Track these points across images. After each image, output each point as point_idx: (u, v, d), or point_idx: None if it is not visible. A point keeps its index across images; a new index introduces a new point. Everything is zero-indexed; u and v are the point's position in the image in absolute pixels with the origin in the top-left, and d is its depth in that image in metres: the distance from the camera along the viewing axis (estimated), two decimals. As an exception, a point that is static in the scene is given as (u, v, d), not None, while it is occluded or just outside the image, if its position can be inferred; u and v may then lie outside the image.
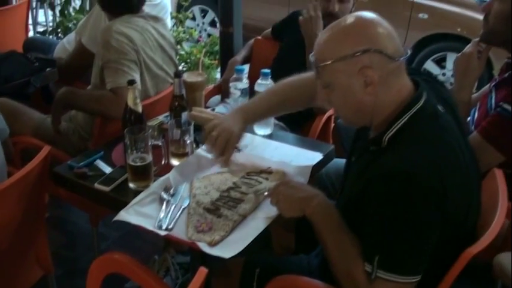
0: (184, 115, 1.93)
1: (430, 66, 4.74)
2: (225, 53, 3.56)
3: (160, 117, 2.13)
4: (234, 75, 2.24)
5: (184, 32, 4.70)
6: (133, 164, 1.72)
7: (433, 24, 4.68)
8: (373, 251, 1.34)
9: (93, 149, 2.04)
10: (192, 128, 1.87)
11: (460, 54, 2.06)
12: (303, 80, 1.83)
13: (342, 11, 2.53)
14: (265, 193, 1.67)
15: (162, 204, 1.65)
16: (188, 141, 1.86)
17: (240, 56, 3.03)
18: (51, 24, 4.65)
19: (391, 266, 1.32)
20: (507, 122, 1.83)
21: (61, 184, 1.93)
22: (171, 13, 4.06)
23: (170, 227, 1.56)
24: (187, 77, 2.08)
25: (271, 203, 1.57)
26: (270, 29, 3.09)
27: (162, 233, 1.55)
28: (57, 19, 4.36)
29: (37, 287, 2.02)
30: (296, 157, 1.92)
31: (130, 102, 1.80)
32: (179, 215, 1.62)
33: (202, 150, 1.88)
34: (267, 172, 1.83)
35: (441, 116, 1.41)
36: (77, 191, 1.89)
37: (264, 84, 2.11)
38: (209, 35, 5.54)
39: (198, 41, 5.17)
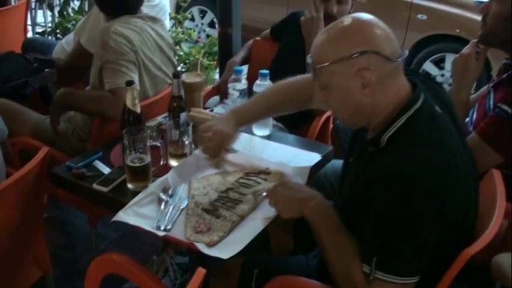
0: (183, 116, 1.93)
1: (428, 67, 4.75)
2: (223, 53, 3.57)
3: (159, 118, 2.13)
4: (233, 76, 2.24)
5: (183, 33, 4.70)
6: (131, 164, 1.72)
7: (431, 25, 4.69)
8: (371, 252, 1.34)
9: (91, 150, 2.04)
10: (190, 128, 1.87)
11: (458, 55, 2.06)
12: (299, 82, 1.83)
13: (340, 12, 2.54)
14: (264, 194, 1.67)
15: (160, 205, 1.65)
16: (187, 142, 1.86)
17: (238, 56, 3.03)
18: (50, 25, 4.65)
19: (389, 267, 1.32)
20: (505, 122, 1.83)
21: (60, 185, 1.93)
22: (169, 14, 4.07)
23: (168, 227, 1.56)
24: (186, 77, 2.08)
25: (269, 204, 1.58)
26: (268, 30, 3.09)
27: (161, 233, 1.55)
28: (56, 20, 4.36)
29: (35, 288, 2.03)
30: (294, 158, 1.92)
31: (128, 103, 1.80)
32: (178, 216, 1.62)
33: (200, 151, 1.88)
34: (265, 173, 1.83)
35: (439, 117, 1.41)
36: (75, 192, 1.90)
37: (262, 85, 2.11)
38: (208, 36, 5.54)
39: (196, 41, 5.17)
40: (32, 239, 1.95)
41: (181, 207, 1.66)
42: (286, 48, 2.86)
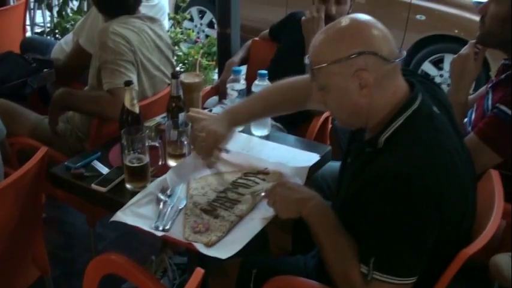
0: (182, 116, 1.93)
1: (427, 67, 4.75)
2: (222, 54, 3.57)
3: (158, 118, 2.13)
4: (232, 76, 2.24)
5: (182, 33, 4.70)
6: (130, 164, 1.72)
7: (430, 25, 4.69)
8: (369, 252, 1.34)
9: (90, 150, 2.04)
10: (189, 129, 1.87)
11: (456, 55, 2.07)
12: (296, 83, 1.83)
13: (339, 12, 2.54)
14: (262, 194, 1.67)
15: (159, 205, 1.66)
16: (185, 142, 1.87)
17: (237, 57, 3.03)
18: (48, 25, 4.64)
19: (387, 268, 1.32)
20: (504, 123, 1.83)
21: (58, 185, 1.93)
22: (168, 14, 4.07)
23: (167, 227, 1.56)
24: (185, 78, 2.08)
25: (267, 204, 1.58)
26: (267, 30, 3.09)
27: (159, 233, 1.55)
28: (55, 20, 4.36)
29: (34, 288, 2.03)
30: (293, 158, 1.92)
31: (127, 103, 1.80)
32: (176, 216, 1.62)
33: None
34: (264, 173, 1.83)
35: (436, 117, 1.41)
36: (73, 192, 1.90)
37: (261, 85, 2.11)
38: (207, 36, 5.54)
39: (195, 42, 5.17)
40: (30, 239, 1.95)
41: (180, 208, 1.66)
42: (285, 49, 2.86)
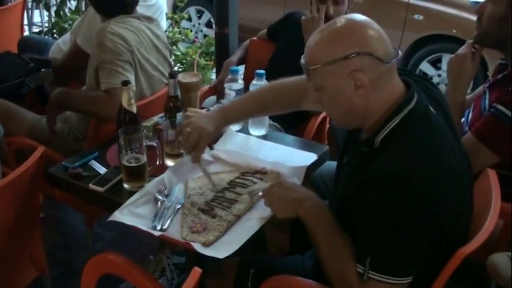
0: (179, 116, 1.93)
1: (425, 67, 4.76)
2: (220, 53, 3.57)
3: (155, 118, 2.13)
4: (229, 76, 2.25)
5: (180, 33, 4.69)
6: (127, 164, 1.72)
7: (428, 25, 4.70)
8: (365, 252, 1.34)
9: (87, 150, 2.04)
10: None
11: (453, 55, 2.07)
12: (290, 84, 1.84)
13: (336, 13, 2.54)
14: (260, 194, 1.67)
15: (156, 205, 1.66)
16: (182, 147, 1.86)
17: (235, 56, 3.03)
18: (46, 24, 4.64)
19: (383, 267, 1.33)
20: (501, 122, 1.84)
21: (56, 185, 1.92)
22: (166, 14, 4.06)
23: (165, 227, 1.57)
24: (182, 77, 2.08)
25: (264, 204, 1.58)
26: (265, 30, 3.09)
27: (157, 233, 1.55)
28: (53, 20, 4.35)
29: (32, 288, 2.03)
30: (291, 158, 1.92)
31: (124, 103, 1.80)
32: (174, 216, 1.62)
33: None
34: (261, 172, 1.83)
35: (432, 117, 1.41)
36: (71, 192, 1.90)
37: (258, 85, 2.11)
38: (205, 36, 5.54)
39: (193, 41, 5.16)
40: (28, 239, 1.95)
41: (177, 207, 1.66)
42: (283, 49, 2.87)
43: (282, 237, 1.92)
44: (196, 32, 5.83)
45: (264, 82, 2.13)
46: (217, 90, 2.85)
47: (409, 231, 1.31)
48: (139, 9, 2.48)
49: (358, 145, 1.47)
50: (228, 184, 1.77)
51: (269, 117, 2.18)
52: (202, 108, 2.23)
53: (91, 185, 1.76)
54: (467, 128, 2.04)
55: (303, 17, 2.63)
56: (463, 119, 2.13)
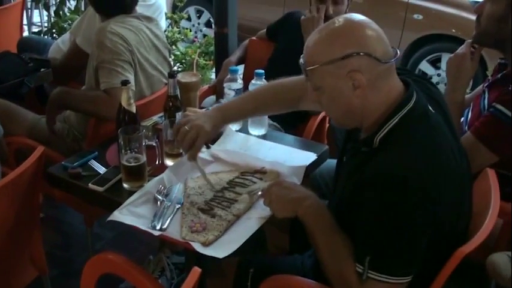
0: (179, 115, 1.93)
1: (425, 66, 4.76)
2: (219, 53, 3.57)
3: (155, 118, 2.13)
4: (229, 76, 2.25)
5: (179, 33, 4.69)
6: (127, 164, 1.72)
7: (428, 25, 4.70)
8: (365, 252, 1.34)
9: (87, 150, 2.04)
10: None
11: (452, 55, 2.07)
12: (289, 84, 1.84)
13: (336, 12, 2.55)
14: (259, 193, 1.67)
15: (156, 204, 1.66)
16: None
17: (234, 56, 3.03)
18: (46, 24, 4.64)
19: (382, 267, 1.33)
20: (500, 122, 1.84)
21: (55, 184, 1.93)
22: (166, 13, 4.06)
23: (164, 227, 1.57)
24: (182, 77, 2.08)
25: (264, 203, 1.58)
26: (264, 30, 3.09)
27: (156, 233, 1.55)
28: (52, 19, 4.35)
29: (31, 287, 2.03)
30: (290, 157, 1.92)
31: (124, 103, 1.80)
32: (173, 215, 1.62)
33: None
34: (261, 172, 1.83)
35: (432, 116, 1.41)
36: (71, 191, 1.90)
37: (257, 85, 2.11)
38: (205, 36, 5.54)
39: (193, 41, 5.16)
40: (28, 239, 1.95)
41: (177, 207, 1.66)
42: (282, 48, 2.87)
43: (282, 236, 1.92)
44: (195, 32, 5.83)
45: (263, 82, 2.13)
46: (217, 90, 2.85)
47: (409, 231, 1.31)
48: (139, 9, 2.48)
49: (357, 145, 1.47)
50: (228, 184, 1.77)
51: (268, 117, 2.18)
52: (201, 107, 2.23)
53: (90, 185, 1.76)
54: (466, 127, 2.04)
55: (303, 17, 2.64)
56: (462, 119, 2.13)
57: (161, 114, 2.07)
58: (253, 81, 2.15)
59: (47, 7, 4.46)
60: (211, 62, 4.48)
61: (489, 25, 1.92)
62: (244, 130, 2.12)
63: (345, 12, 2.59)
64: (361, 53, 1.34)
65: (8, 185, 1.68)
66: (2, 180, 1.70)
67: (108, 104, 2.13)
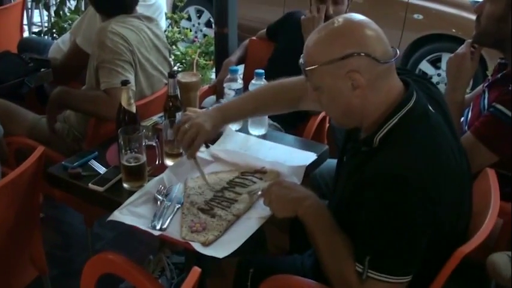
0: (179, 115, 1.93)
1: (425, 66, 4.76)
2: (220, 53, 3.57)
3: (155, 118, 2.13)
4: (229, 76, 2.25)
5: (179, 33, 4.70)
6: (127, 164, 1.72)
7: (428, 25, 4.70)
8: (364, 251, 1.34)
9: (87, 150, 2.04)
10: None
11: (452, 55, 2.07)
12: (289, 84, 1.84)
13: (336, 12, 2.54)
14: (259, 193, 1.67)
15: (156, 204, 1.66)
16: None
17: (234, 56, 3.03)
18: (46, 24, 4.64)
19: (382, 267, 1.33)
20: (500, 122, 1.84)
21: (55, 184, 1.93)
22: (166, 13, 4.06)
23: (164, 227, 1.57)
24: (182, 77, 2.08)
25: (263, 203, 1.58)
26: (264, 30, 3.09)
27: (156, 233, 1.55)
28: (52, 19, 4.35)
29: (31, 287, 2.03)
30: (290, 157, 1.92)
31: (124, 103, 1.80)
32: (173, 215, 1.62)
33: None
34: (261, 172, 1.83)
35: (432, 116, 1.41)
36: (71, 191, 1.90)
37: (257, 85, 2.12)
38: (205, 36, 5.54)
39: (193, 41, 5.17)
40: (28, 239, 1.95)
41: (177, 207, 1.66)
42: (282, 48, 2.87)
43: (282, 236, 1.92)
44: (195, 32, 5.83)
45: (263, 82, 2.13)
46: (217, 90, 2.85)
47: (409, 230, 1.31)
48: (139, 9, 2.48)
49: (357, 144, 1.47)
50: (228, 184, 1.77)
51: (268, 117, 2.18)
52: (201, 107, 2.23)
53: (90, 185, 1.76)
54: (466, 127, 2.04)
55: (303, 17, 2.64)
56: (462, 119, 2.13)
57: (161, 114, 2.07)
58: (253, 81, 2.15)
59: (47, 7, 4.46)
60: (211, 62, 4.48)
61: (489, 25, 1.92)
62: (244, 130, 2.12)
63: (345, 12, 2.59)
64: (361, 53, 1.34)
65: (8, 185, 1.68)
66: (2, 180, 1.70)
67: (108, 104, 2.13)
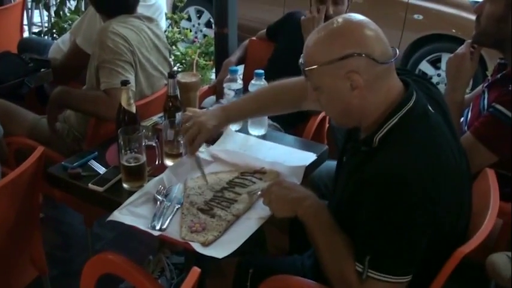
0: (178, 116, 1.93)
1: (425, 67, 4.76)
2: (219, 53, 3.57)
3: (155, 118, 2.14)
4: (228, 76, 2.25)
5: (179, 33, 4.70)
6: (127, 164, 1.72)
7: (428, 25, 4.71)
8: (364, 251, 1.34)
9: (87, 150, 2.04)
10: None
11: (452, 55, 2.07)
12: (290, 85, 1.85)
13: (336, 13, 2.54)
14: (259, 193, 1.67)
15: (155, 205, 1.66)
16: (182, 142, 1.87)
17: (234, 56, 3.04)
18: (46, 24, 4.64)
19: (382, 266, 1.33)
20: (500, 122, 1.84)
21: (55, 185, 1.93)
22: (166, 14, 4.06)
23: (164, 227, 1.57)
24: (182, 77, 2.08)
25: (263, 203, 1.58)
26: (264, 30, 3.09)
27: (156, 233, 1.55)
28: (52, 20, 4.36)
29: (31, 288, 2.03)
30: (290, 157, 1.93)
31: (124, 103, 1.80)
32: (173, 215, 1.62)
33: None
34: (260, 172, 1.83)
35: (431, 116, 1.41)
36: (71, 192, 1.90)
37: (257, 85, 2.12)
38: (205, 36, 5.54)
39: (193, 41, 5.17)
40: (28, 239, 1.95)
41: (177, 207, 1.66)
42: (282, 48, 2.87)
43: (281, 237, 1.92)
44: (195, 32, 5.84)
45: (263, 82, 2.13)
46: (217, 90, 2.85)
47: (409, 230, 1.32)
48: (139, 9, 2.48)
49: (357, 144, 1.47)
50: (227, 184, 1.77)
51: (268, 117, 2.18)
52: (201, 108, 2.23)
53: (90, 185, 1.76)
54: (466, 127, 2.04)
55: (303, 17, 2.64)
56: (462, 119, 2.13)
57: (161, 114, 2.07)
58: (253, 82, 2.16)
59: (47, 7, 4.46)
60: (211, 62, 4.48)
61: (489, 25, 1.92)
62: (244, 130, 2.12)
63: (345, 13, 2.59)
64: (360, 54, 1.34)
65: (8, 185, 1.68)
66: (2, 180, 1.70)
67: (108, 104, 2.13)
